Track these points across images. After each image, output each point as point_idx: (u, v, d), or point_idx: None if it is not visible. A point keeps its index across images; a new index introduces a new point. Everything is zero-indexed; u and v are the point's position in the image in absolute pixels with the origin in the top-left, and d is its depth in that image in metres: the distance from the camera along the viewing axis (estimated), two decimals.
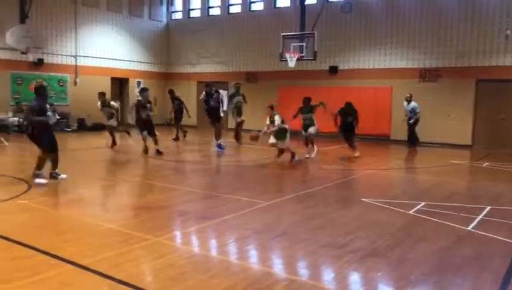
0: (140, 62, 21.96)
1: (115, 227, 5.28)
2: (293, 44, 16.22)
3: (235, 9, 21.07)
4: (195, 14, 22.50)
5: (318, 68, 17.74)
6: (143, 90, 10.98)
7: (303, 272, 4.18)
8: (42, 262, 4.04)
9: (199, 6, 22.18)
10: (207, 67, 21.64)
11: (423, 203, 6.62)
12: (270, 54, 18.68)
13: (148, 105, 10.78)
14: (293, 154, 10.62)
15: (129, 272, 3.84)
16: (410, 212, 6.18)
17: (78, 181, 8.17)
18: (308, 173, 9.81)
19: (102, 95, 13.08)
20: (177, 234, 5.13)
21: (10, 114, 16.66)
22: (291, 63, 15.93)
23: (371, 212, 6.24)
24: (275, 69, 18.83)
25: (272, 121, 10.34)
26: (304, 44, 16.17)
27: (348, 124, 11.82)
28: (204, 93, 12.62)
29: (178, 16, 23.16)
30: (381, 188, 8.52)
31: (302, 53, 15.97)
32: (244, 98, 14.58)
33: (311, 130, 11.06)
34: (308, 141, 11.27)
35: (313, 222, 5.78)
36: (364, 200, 6.90)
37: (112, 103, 13.20)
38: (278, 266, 4.27)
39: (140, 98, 11.35)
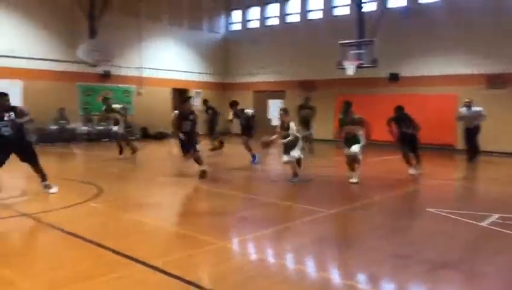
0: (199, 73, 22.60)
1: (180, 230, 5.45)
2: (351, 51, 16.01)
3: (292, 18, 21.22)
4: (253, 25, 22.89)
5: (377, 76, 17.35)
6: (185, 100, 9.62)
7: (369, 282, 4.06)
8: (116, 261, 4.23)
9: (256, 17, 22.57)
10: (264, 77, 21.86)
11: (497, 216, 6.24)
12: (327, 62, 18.52)
13: (191, 116, 9.28)
14: (295, 173, 8.92)
15: (198, 274, 3.93)
16: (483, 224, 5.85)
17: (144, 187, 8.49)
18: (368, 183, 9.57)
19: (105, 100, 12.66)
20: (242, 239, 5.18)
21: (80, 124, 17.69)
22: (350, 70, 15.71)
23: (438, 223, 5.97)
24: (332, 78, 18.65)
25: (287, 128, 8.74)
26: (363, 51, 15.91)
27: (405, 134, 9.74)
28: (232, 112, 12.29)
29: (236, 27, 23.66)
30: (449, 199, 8.15)
31: (361, 60, 15.72)
32: (313, 110, 14.01)
33: (355, 148, 8.56)
34: (352, 161, 8.78)
35: (376, 231, 5.63)
36: (431, 210, 6.62)
37: (115, 105, 12.48)
38: (342, 275, 4.18)
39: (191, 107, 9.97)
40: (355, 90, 17.93)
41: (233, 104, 12.27)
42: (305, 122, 13.83)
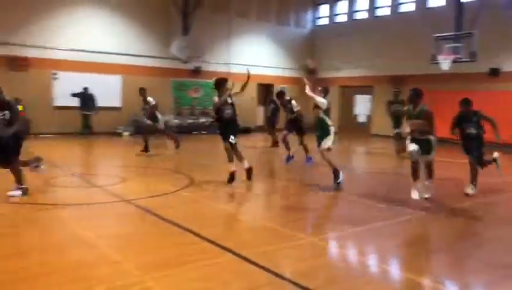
0: (284, 68, 22.71)
1: (269, 223, 5.56)
2: (447, 45, 15.08)
3: (382, 11, 20.51)
4: (340, 19, 22.50)
5: (476, 71, 16.16)
6: (219, 84, 8.10)
7: None
8: (207, 249, 4.43)
9: (344, 11, 22.16)
10: (351, 72, 21.40)
11: None
12: (419, 57, 17.63)
13: (228, 99, 7.93)
14: (335, 171, 7.61)
15: (287, 267, 3.98)
16: None
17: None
18: (459, 186, 8.97)
19: (142, 90, 11.77)
20: (330, 236, 5.15)
21: (172, 117, 18.68)
22: (445, 65, 14.81)
23: None
24: (424, 73, 17.72)
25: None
26: (460, 45, 14.91)
27: (469, 136, 7.46)
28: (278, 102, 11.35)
29: (323, 21, 23.42)
30: None
31: (458, 54, 14.75)
32: (404, 105, 13.26)
33: (431, 156, 6.68)
34: (421, 169, 6.86)
35: (471, 238, 5.32)
36: None
37: (149, 98, 11.66)
38: (433, 281, 3.98)
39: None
40: (450, 86, 16.87)
41: (279, 95, 11.48)
42: (396, 119, 13.05)
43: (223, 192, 7.57)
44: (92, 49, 16.92)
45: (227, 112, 7.92)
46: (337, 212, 6.24)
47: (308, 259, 4.31)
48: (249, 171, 8.12)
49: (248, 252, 4.22)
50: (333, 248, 4.79)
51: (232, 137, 7.83)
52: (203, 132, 18.77)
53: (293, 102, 11.16)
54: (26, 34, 15.72)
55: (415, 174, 6.87)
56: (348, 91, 21.74)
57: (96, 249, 4.43)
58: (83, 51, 16.71)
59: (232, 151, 7.92)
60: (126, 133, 17.22)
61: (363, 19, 21.24)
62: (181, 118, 18.93)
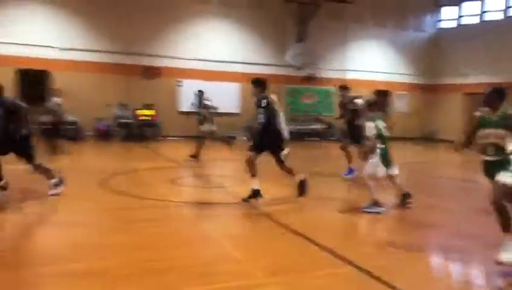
0: (402, 74, 21.79)
1: (387, 237, 5.41)
2: None
3: None
4: (466, 20, 20.94)
5: None
6: (256, 83, 6.99)
7: None
8: (326, 259, 4.42)
9: (472, 12, 20.57)
10: (478, 78, 19.75)
11: None
12: None
13: (263, 102, 6.79)
14: (404, 194, 6.68)
15: (406, 283, 3.82)
16: None
17: (346, 187, 8.64)
18: None
19: (200, 93, 11.47)
20: (454, 256, 4.80)
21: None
22: None
23: None
24: None
25: (379, 133, 6.40)
26: None
27: None
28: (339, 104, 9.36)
29: (445, 24, 22.01)
30: None
31: None
32: None
33: (504, 177, 4.15)
34: (498, 201, 4.16)
35: None
36: None
37: (207, 102, 11.30)
38: None
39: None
40: None
41: (342, 89, 9.37)
42: None
43: (337, 200, 7.51)
44: (213, 58, 18.04)
45: (258, 116, 6.72)
46: (464, 230, 5.78)
47: (429, 279, 4.09)
48: (302, 185, 6.90)
49: (368, 265, 4.13)
50: (456, 267, 4.47)
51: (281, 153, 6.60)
52: (316, 139, 18.81)
53: (359, 100, 8.66)
54: (158, 45, 17.36)
55: (505, 222, 4.17)
56: (473, 99, 20.03)
57: (221, 247, 4.71)
58: (205, 60, 17.91)
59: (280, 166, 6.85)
60: (243, 138, 17.98)
61: (495, 20, 19.51)
62: (294, 124, 19.19)
